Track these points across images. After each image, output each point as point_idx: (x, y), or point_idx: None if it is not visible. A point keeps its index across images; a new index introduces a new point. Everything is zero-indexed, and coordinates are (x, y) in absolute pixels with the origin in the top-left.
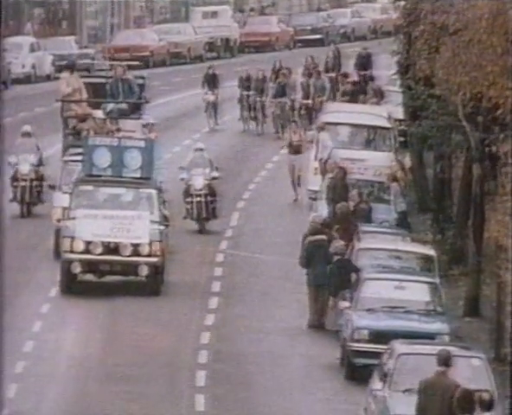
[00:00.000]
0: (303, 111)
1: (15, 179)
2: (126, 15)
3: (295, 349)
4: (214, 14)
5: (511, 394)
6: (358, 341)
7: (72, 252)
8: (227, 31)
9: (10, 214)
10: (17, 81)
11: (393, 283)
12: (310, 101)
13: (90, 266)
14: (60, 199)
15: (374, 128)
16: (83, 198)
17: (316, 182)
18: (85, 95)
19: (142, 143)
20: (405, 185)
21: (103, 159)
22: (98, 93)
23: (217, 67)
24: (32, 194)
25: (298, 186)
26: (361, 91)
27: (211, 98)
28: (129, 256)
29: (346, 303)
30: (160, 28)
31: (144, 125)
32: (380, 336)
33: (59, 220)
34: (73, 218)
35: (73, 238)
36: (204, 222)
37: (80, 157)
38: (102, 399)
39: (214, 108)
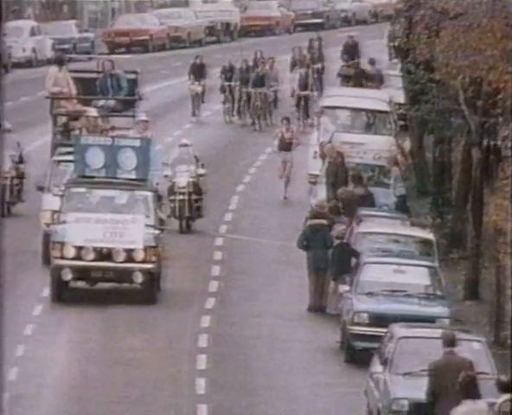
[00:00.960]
0: (302, 102)
1: None
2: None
3: (295, 333)
4: None
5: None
6: (358, 324)
7: (62, 257)
8: (228, 16)
9: None
10: (18, 65)
11: (393, 267)
12: (308, 92)
13: (81, 273)
14: (50, 201)
15: (374, 112)
16: (75, 201)
17: (315, 166)
18: (74, 91)
19: (137, 143)
20: (404, 169)
21: (96, 159)
22: (87, 89)
23: (217, 51)
24: (12, 193)
25: (288, 183)
26: (363, 76)
27: (198, 89)
28: (122, 262)
29: (346, 287)
30: (160, 13)
31: (136, 123)
32: (380, 320)
33: (48, 225)
34: (64, 222)
35: (63, 243)
36: (189, 221)
37: (70, 157)
38: (102, 384)
39: (200, 99)
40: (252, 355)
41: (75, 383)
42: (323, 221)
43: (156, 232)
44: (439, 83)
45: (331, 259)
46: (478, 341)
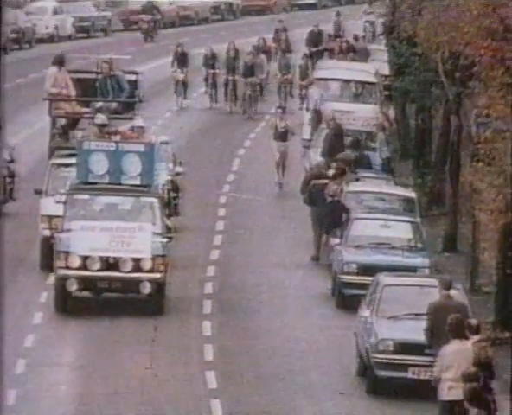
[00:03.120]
0: (303, 91)
1: None
2: None
3: (291, 281)
4: None
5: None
6: (347, 273)
7: (67, 268)
8: None
9: None
10: (41, 41)
11: (379, 222)
12: (305, 82)
13: (87, 283)
14: (48, 206)
15: (362, 83)
16: (78, 208)
17: (308, 132)
18: (73, 92)
19: (141, 148)
20: (389, 134)
21: (99, 165)
22: (87, 91)
23: (221, 29)
24: (5, 192)
25: (283, 172)
26: (350, 50)
27: (180, 76)
28: (130, 272)
29: (337, 240)
30: None
31: (131, 128)
32: (367, 269)
33: (51, 232)
34: (68, 230)
35: (68, 253)
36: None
37: (68, 160)
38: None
39: (183, 87)
40: (253, 301)
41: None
42: (326, 181)
43: (164, 240)
44: (421, 57)
45: (324, 215)
46: (457, 288)
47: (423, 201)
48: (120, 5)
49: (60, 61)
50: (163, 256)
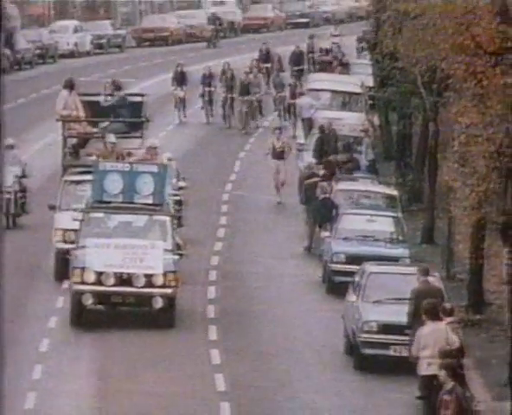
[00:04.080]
0: (292, 109)
1: None
2: (151, 2)
3: (286, 269)
4: (222, 2)
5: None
6: (336, 262)
7: (83, 283)
8: (232, 16)
9: None
10: (63, 56)
11: (365, 217)
12: (296, 100)
13: (102, 298)
14: (61, 220)
15: (349, 93)
16: (93, 225)
17: (302, 137)
18: (82, 114)
19: (154, 168)
20: (373, 139)
21: (114, 185)
22: (95, 112)
23: (223, 44)
24: (17, 206)
25: (282, 189)
26: (340, 64)
27: (180, 94)
28: (142, 287)
29: (327, 233)
30: (178, 14)
31: (148, 148)
32: (354, 259)
33: (66, 244)
34: (84, 247)
35: (83, 268)
36: None
37: (79, 177)
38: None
39: (182, 103)
40: (252, 287)
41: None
42: (317, 179)
43: (176, 257)
44: (402, 70)
45: (316, 210)
46: (434, 276)
47: (404, 199)
48: (134, 24)
49: (70, 85)
50: (174, 272)
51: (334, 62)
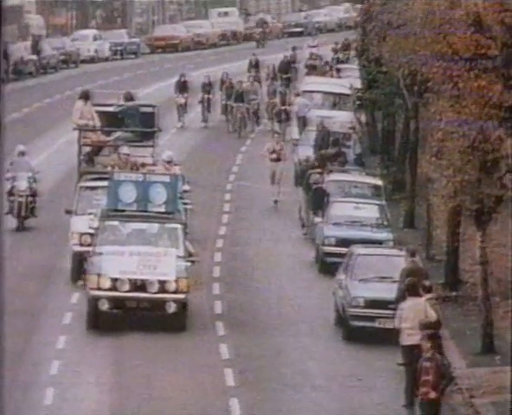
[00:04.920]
0: (283, 115)
1: (11, 194)
2: (163, 14)
3: (283, 250)
4: (226, 13)
5: None
6: (328, 245)
7: (99, 289)
8: (235, 26)
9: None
10: (84, 62)
11: (353, 204)
12: (287, 106)
13: (117, 303)
14: (77, 224)
15: (339, 94)
16: (109, 233)
17: (297, 133)
18: (97, 123)
19: (167, 179)
20: (361, 135)
21: (128, 194)
22: (109, 121)
23: (225, 53)
24: (27, 209)
25: (279, 189)
26: (329, 68)
27: (182, 100)
28: (156, 293)
29: (319, 219)
30: (187, 24)
31: (167, 162)
32: (344, 242)
33: (82, 247)
34: (100, 253)
35: (99, 275)
36: None
37: (94, 183)
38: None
39: (183, 109)
40: (253, 266)
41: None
42: (311, 171)
43: (188, 264)
44: (386, 74)
45: (310, 199)
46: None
47: (387, 188)
48: (147, 33)
49: (85, 96)
50: (186, 278)
51: (326, 67)
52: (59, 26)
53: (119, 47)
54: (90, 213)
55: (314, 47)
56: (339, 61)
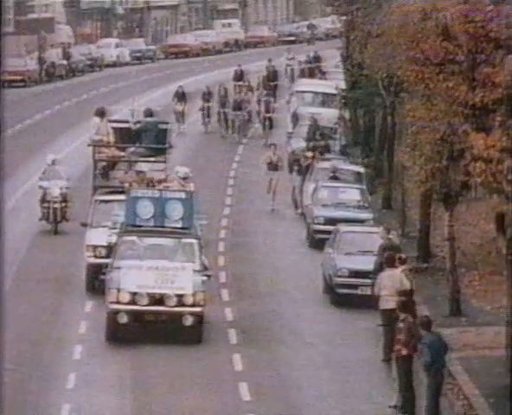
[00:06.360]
0: (267, 122)
1: (44, 201)
2: (175, 25)
3: (278, 228)
4: (229, 24)
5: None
6: (317, 224)
7: (118, 302)
8: (237, 35)
9: (39, 231)
10: (108, 66)
11: (338, 189)
12: (270, 114)
13: (136, 316)
14: (92, 237)
15: (327, 94)
16: (127, 248)
17: (290, 127)
18: (112, 139)
19: (183, 195)
20: (345, 129)
21: (146, 210)
22: (123, 137)
23: (228, 58)
24: (61, 214)
25: (275, 197)
26: (321, 73)
27: (180, 108)
28: (174, 306)
29: (309, 201)
30: (196, 33)
31: (183, 178)
32: (331, 221)
33: (96, 259)
34: (118, 268)
35: (119, 289)
36: None
37: (108, 197)
38: None
39: (182, 116)
40: (252, 241)
41: None
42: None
43: (204, 278)
44: (367, 77)
45: (301, 183)
46: (392, 234)
47: (368, 175)
48: (162, 41)
49: (101, 113)
50: (202, 292)
51: (315, 71)
52: (85, 35)
53: (138, 54)
54: (104, 226)
55: (290, 59)
56: (310, 69)
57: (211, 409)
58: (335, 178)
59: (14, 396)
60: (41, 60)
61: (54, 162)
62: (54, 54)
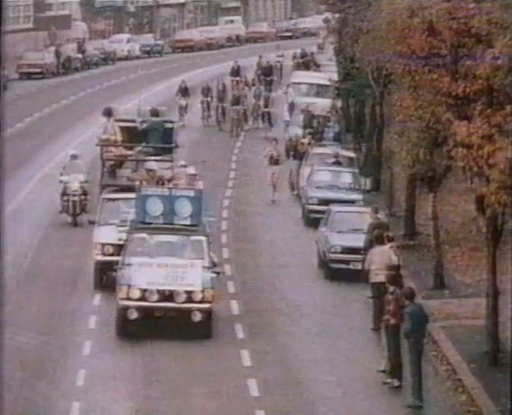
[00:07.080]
0: (266, 116)
1: (65, 194)
2: (182, 21)
3: (276, 210)
4: (232, 21)
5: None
6: (312, 204)
7: (128, 299)
8: (239, 31)
9: (60, 223)
10: (120, 59)
11: (332, 172)
12: (269, 109)
13: (146, 312)
14: (100, 235)
15: (321, 85)
16: (137, 245)
17: (288, 115)
18: (119, 138)
19: (191, 193)
20: (338, 117)
21: (155, 208)
22: (130, 136)
23: (230, 52)
24: (80, 207)
25: (275, 191)
26: (315, 65)
27: (183, 103)
28: (183, 303)
29: (304, 183)
30: (201, 29)
31: (191, 175)
32: (324, 201)
33: (104, 257)
34: (129, 265)
35: (129, 286)
36: None
37: (116, 195)
38: None
39: (185, 110)
40: (253, 221)
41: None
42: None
43: (213, 275)
44: (358, 69)
45: (297, 167)
46: (381, 213)
47: (359, 159)
48: (169, 37)
49: (108, 113)
50: (211, 288)
51: (310, 64)
52: (99, 31)
53: (147, 48)
54: (112, 224)
55: (280, 56)
56: (298, 65)
57: (220, 403)
58: (337, 163)
59: (20, 394)
60: (57, 54)
61: (74, 157)
62: (69, 49)
